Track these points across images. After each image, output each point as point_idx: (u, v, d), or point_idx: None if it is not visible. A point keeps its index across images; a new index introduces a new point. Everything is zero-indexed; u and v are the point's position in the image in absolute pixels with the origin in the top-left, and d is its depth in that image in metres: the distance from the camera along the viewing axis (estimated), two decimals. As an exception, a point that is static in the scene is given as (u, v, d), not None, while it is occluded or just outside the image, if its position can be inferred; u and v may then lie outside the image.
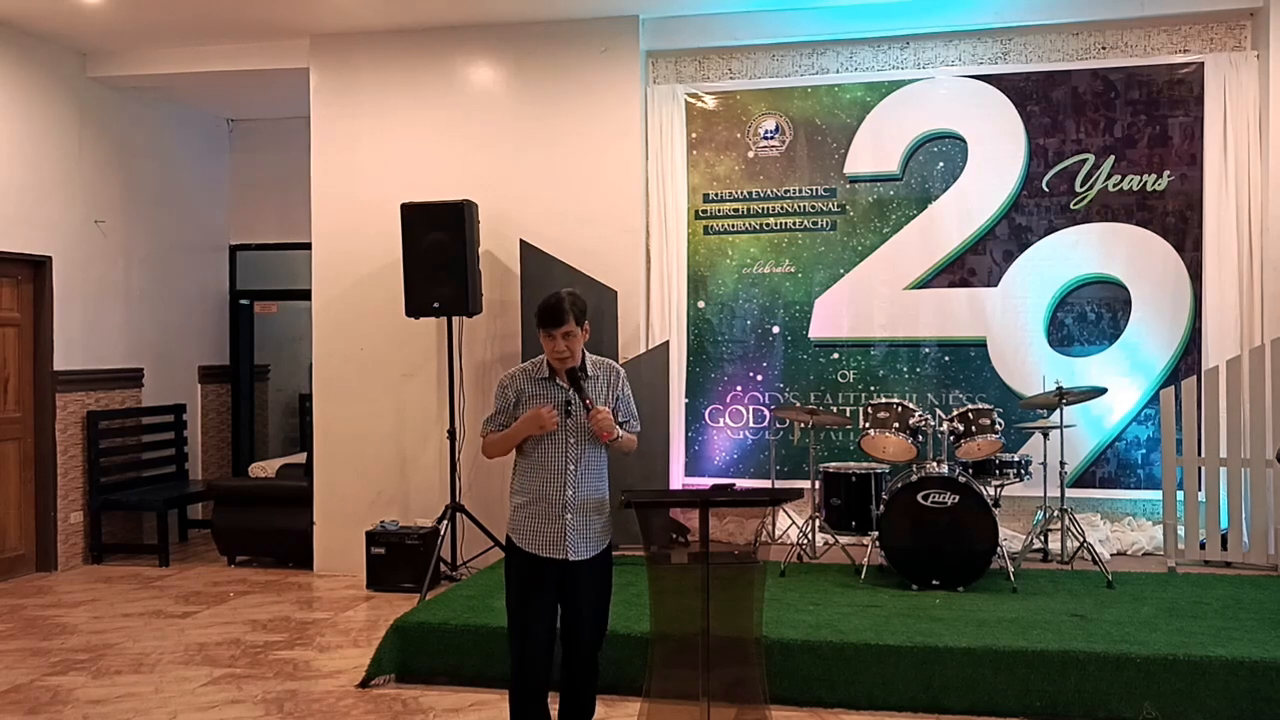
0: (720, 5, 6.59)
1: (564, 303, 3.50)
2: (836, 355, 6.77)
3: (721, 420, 6.90)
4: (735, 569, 3.62)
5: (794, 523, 6.37)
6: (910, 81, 6.66)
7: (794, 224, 6.81)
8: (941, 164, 6.63)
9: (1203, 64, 6.33)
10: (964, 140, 6.58)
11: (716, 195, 6.90)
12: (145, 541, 7.67)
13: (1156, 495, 6.17)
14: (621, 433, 3.58)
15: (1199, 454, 6.02)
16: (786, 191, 6.82)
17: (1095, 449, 6.45)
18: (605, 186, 6.72)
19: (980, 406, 5.79)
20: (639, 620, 4.54)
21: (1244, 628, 4.57)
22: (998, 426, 5.72)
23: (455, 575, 6.44)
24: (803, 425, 6.27)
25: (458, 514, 6.41)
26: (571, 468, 3.53)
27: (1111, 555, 6.08)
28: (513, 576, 3.64)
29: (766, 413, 6.81)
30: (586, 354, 3.64)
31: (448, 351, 6.56)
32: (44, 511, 7.09)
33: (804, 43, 6.76)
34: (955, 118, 6.58)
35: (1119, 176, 6.44)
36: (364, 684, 4.69)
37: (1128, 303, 6.43)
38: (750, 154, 6.87)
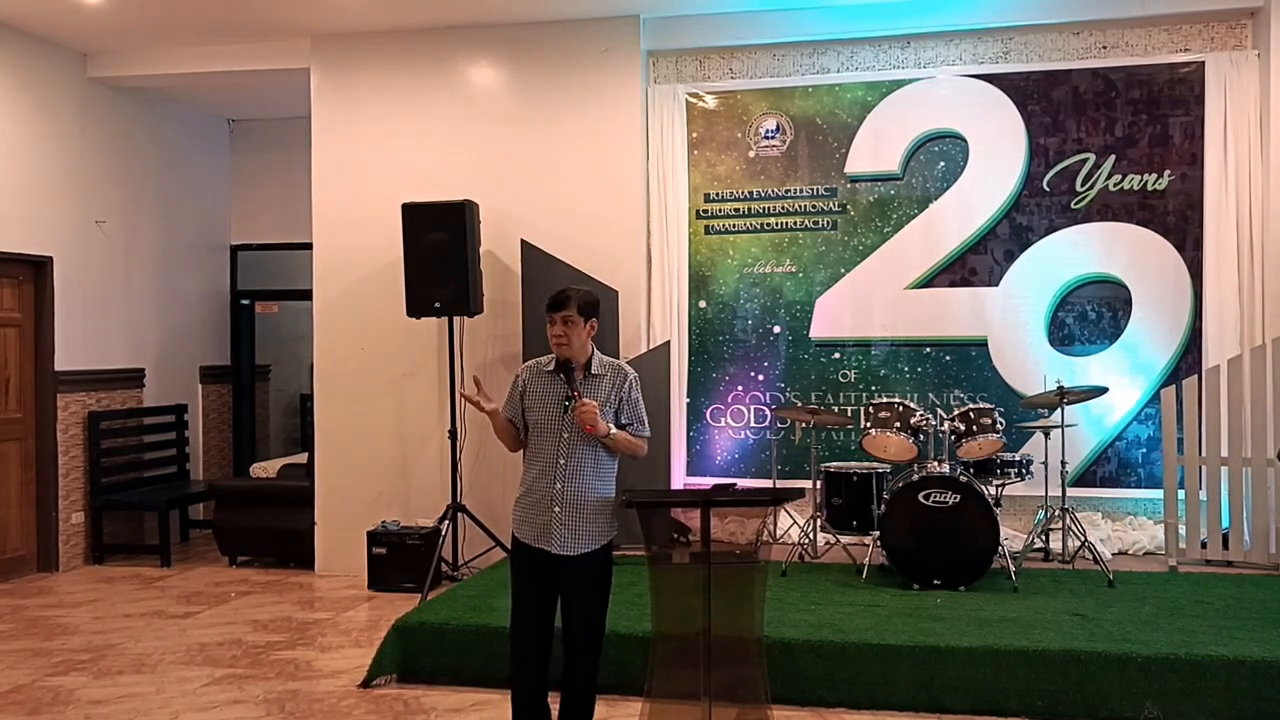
0: (721, 5, 6.59)
1: (569, 290, 3.64)
2: (838, 355, 6.77)
3: (723, 420, 6.90)
4: (737, 568, 3.62)
5: (795, 522, 6.37)
6: (911, 81, 6.66)
7: (795, 223, 6.81)
8: (942, 163, 6.63)
9: (1203, 63, 6.33)
10: (965, 140, 6.58)
11: (717, 195, 6.90)
12: (146, 542, 7.68)
13: (1157, 494, 6.17)
14: (612, 429, 3.56)
15: (1200, 453, 6.02)
16: (787, 191, 6.82)
17: (1096, 448, 6.46)
18: (606, 186, 6.72)
19: (981, 406, 5.79)
20: (640, 620, 4.55)
21: (1245, 627, 4.57)
22: (999, 426, 5.72)
23: (456, 575, 6.44)
24: (804, 425, 6.27)
25: (459, 514, 6.41)
26: (562, 461, 3.55)
27: (1113, 554, 6.08)
28: (512, 569, 3.70)
29: (768, 412, 6.81)
30: (596, 354, 3.67)
31: (449, 351, 6.56)
32: (45, 512, 7.09)
33: (805, 42, 6.76)
34: (956, 117, 6.58)
35: (1120, 176, 6.44)
36: (365, 684, 4.69)
37: (1128, 302, 6.43)
38: (751, 153, 6.87)
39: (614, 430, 3.57)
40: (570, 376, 3.56)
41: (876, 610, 4.92)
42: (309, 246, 7.10)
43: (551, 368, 3.63)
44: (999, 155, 6.54)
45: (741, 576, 3.59)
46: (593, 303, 3.64)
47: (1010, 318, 6.55)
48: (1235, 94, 6.26)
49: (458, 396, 6.51)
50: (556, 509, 3.53)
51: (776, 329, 6.83)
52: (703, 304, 6.92)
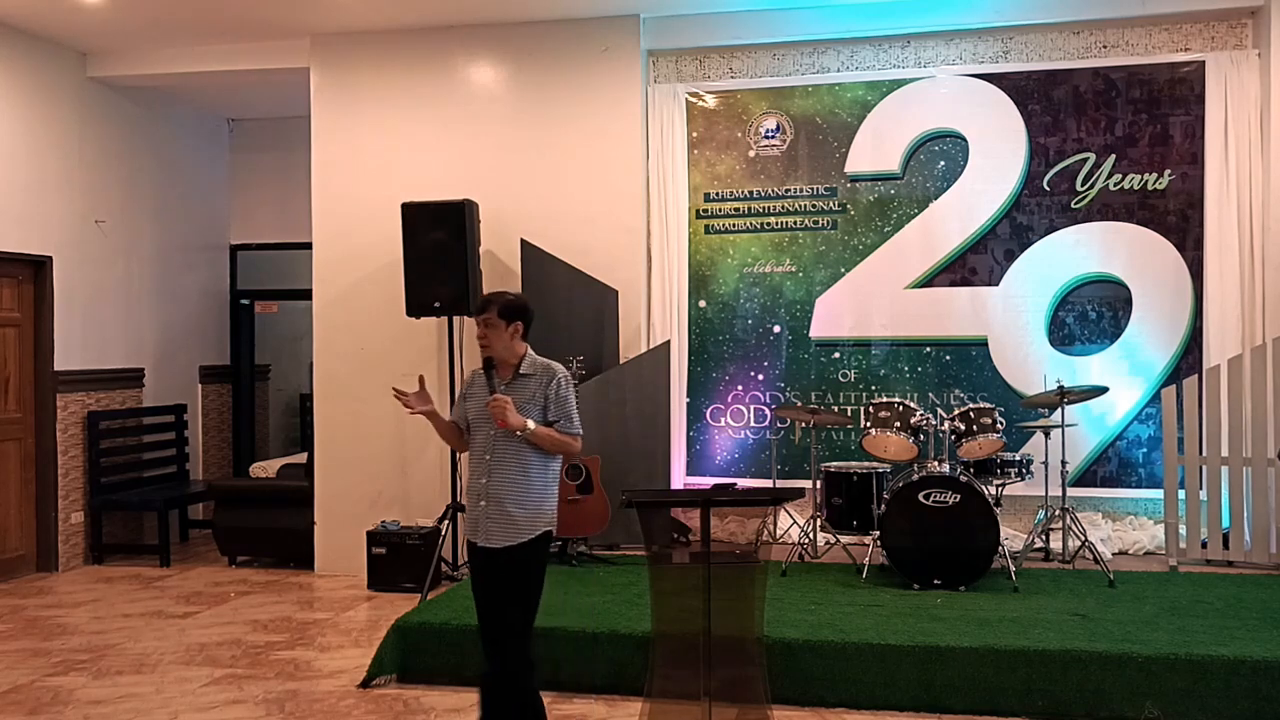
0: (721, 4, 6.58)
1: (493, 294, 3.81)
2: (838, 354, 6.76)
3: (723, 420, 6.90)
4: (736, 568, 3.62)
5: (795, 522, 6.36)
6: (911, 80, 6.65)
7: (795, 223, 6.81)
8: (942, 163, 6.63)
9: (1204, 63, 6.32)
10: (965, 139, 6.58)
11: (717, 194, 6.90)
12: (146, 542, 7.68)
13: (1158, 494, 6.17)
14: (530, 425, 3.57)
15: (1200, 453, 6.02)
16: (787, 190, 6.81)
17: (1096, 448, 6.45)
18: (606, 186, 6.72)
19: (981, 406, 5.79)
20: (640, 620, 4.54)
21: (1246, 627, 4.57)
22: (999, 426, 5.71)
23: (456, 575, 6.44)
24: (804, 425, 6.26)
25: (458, 514, 6.40)
26: (488, 457, 3.66)
27: (1113, 554, 6.08)
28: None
29: (768, 412, 6.80)
30: (530, 355, 3.76)
31: (448, 351, 6.56)
32: (45, 512, 7.08)
33: (805, 42, 6.76)
34: (956, 117, 6.58)
35: (1120, 175, 6.43)
36: (365, 684, 4.69)
37: (1129, 302, 6.43)
38: (751, 153, 6.86)
39: (531, 425, 3.58)
40: (489, 375, 3.70)
41: (877, 610, 4.92)
42: (308, 246, 7.10)
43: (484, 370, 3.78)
44: (999, 155, 6.53)
45: (741, 576, 3.59)
46: (516, 307, 3.74)
47: (1010, 317, 6.55)
48: (1236, 93, 6.25)
49: (457, 396, 6.50)
50: (483, 503, 3.64)
51: (776, 329, 6.82)
52: (703, 304, 6.91)
